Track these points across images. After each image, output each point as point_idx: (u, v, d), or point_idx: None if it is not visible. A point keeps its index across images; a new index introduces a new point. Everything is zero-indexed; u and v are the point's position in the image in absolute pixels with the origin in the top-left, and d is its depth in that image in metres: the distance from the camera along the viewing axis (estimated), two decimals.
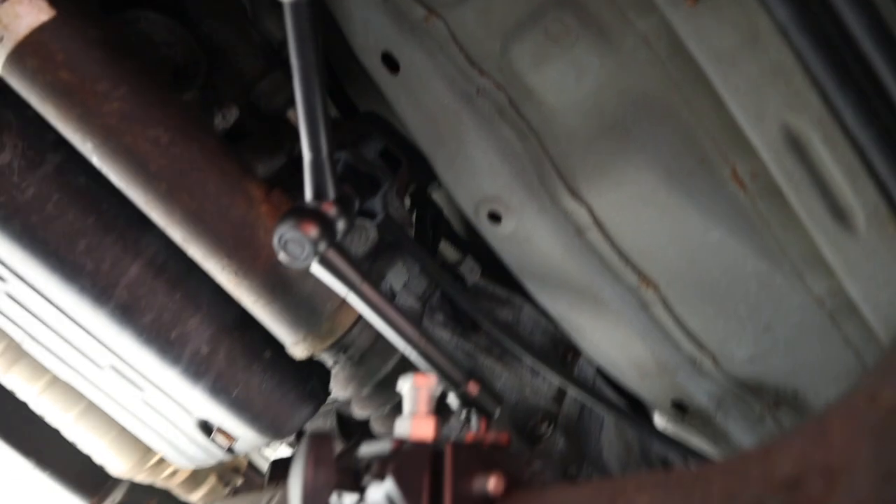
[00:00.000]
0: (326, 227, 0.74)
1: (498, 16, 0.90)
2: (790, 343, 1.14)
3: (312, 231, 0.73)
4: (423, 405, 0.72)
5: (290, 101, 1.15)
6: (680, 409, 1.29)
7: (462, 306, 1.11)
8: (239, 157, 0.98)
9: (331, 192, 0.74)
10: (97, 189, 0.99)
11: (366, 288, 0.77)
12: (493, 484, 0.67)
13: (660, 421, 1.36)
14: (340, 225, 0.76)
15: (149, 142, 0.88)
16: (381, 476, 0.66)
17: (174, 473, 1.81)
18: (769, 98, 0.84)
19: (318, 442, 0.68)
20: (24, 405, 1.66)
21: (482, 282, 1.41)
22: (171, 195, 0.90)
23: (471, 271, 1.34)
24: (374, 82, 1.06)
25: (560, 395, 1.36)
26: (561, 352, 1.41)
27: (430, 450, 0.68)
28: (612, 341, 1.21)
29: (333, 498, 0.72)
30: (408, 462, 0.66)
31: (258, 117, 1.15)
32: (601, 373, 1.38)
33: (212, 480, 1.86)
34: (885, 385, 0.48)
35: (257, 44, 1.15)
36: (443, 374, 0.79)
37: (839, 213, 0.91)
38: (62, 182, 0.97)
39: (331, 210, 0.75)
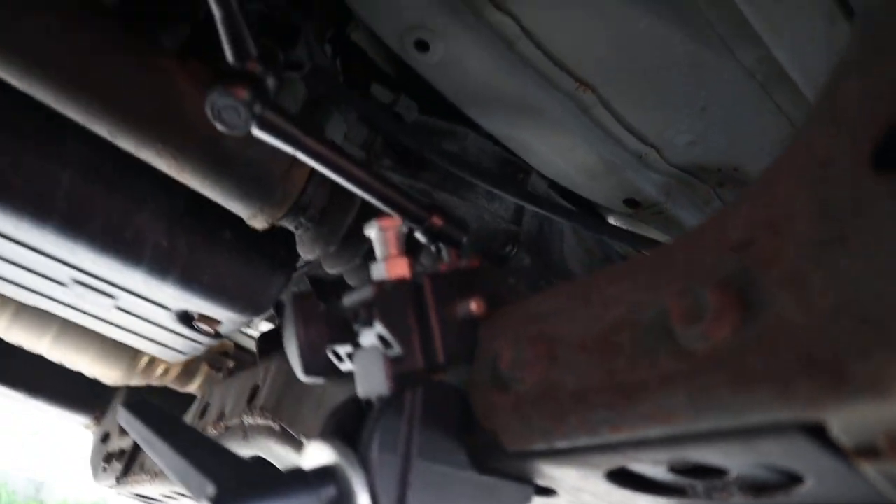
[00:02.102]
0: (257, 87, 0.71)
1: None
2: (726, 120, 1.18)
3: (244, 94, 0.70)
4: (394, 246, 0.73)
5: None
6: (632, 204, 1.35)
7: (407, 143, 1.09)
8: (138, 32, 0.92)
9: (252, 49, 0.71)
10: (2, 101, 0.92)
11: (310, 142, 0.76)
12: (475, 306, 0.70)
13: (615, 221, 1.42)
14: (270, 82, 0.73)
15: (39, 30, 0.81)
16: (369, 321, 0.68)
17: (167, 371, 1.85)
18: None
19: (303, 301, 0.69)
20: None
21: (421, 118, 1.39)
22: (77, 83, 0.84)
23: (408, 109, 1.31)
24: None
25: (518, 214, 1.39)
26: (511, 173, 1.43)
27: (409, 285, 0.70)
28: (558, 150, 1.23)
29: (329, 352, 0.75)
30: (391, 301, 0.68)
31: None
32: (553, 187, 1.41)
33: (204, 369, 1.91)
34: (818, 135, 0.51)
35: None
36: (405, 213, 0.80)
37: None
38: None
39: (257, 68, 0.72)
